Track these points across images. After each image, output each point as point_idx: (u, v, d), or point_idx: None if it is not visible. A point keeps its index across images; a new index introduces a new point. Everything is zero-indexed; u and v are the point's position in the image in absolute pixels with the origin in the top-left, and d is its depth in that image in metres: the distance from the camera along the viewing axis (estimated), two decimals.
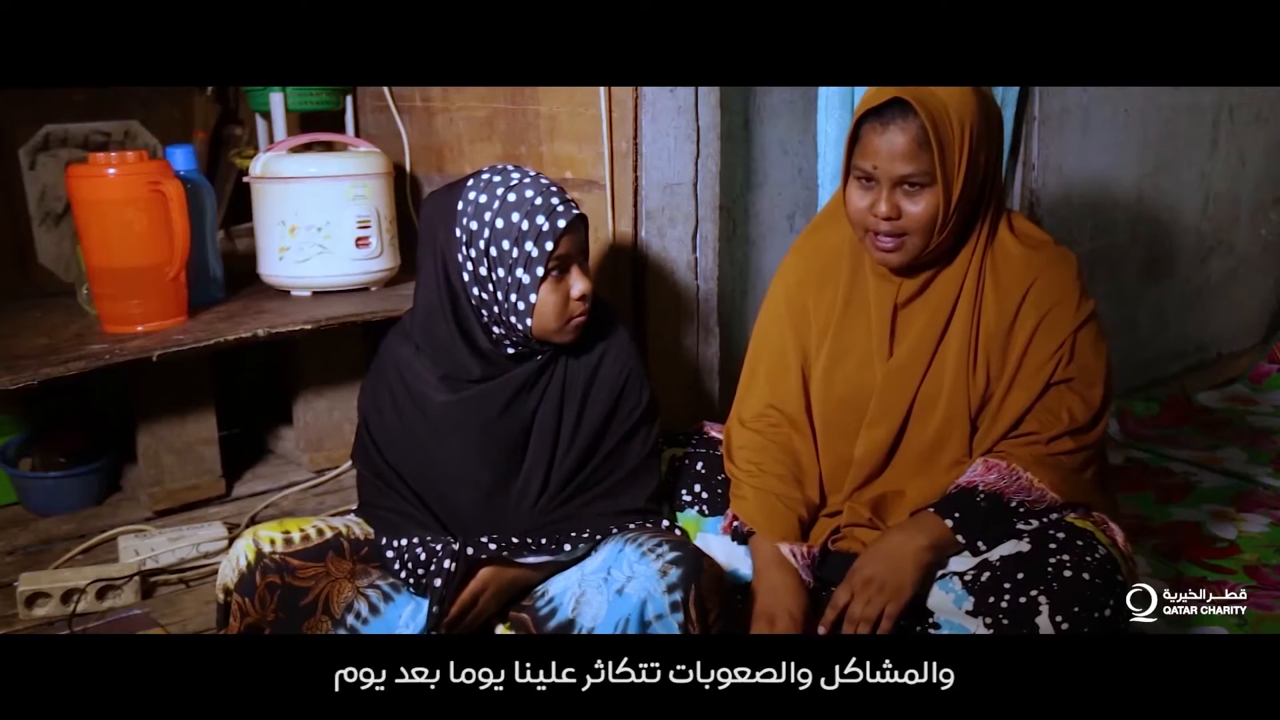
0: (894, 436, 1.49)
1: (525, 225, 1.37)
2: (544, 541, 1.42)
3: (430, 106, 2.21)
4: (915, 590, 1.36)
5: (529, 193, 1.38)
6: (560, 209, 1.39)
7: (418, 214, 2.28)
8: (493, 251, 1.38)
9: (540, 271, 1.37)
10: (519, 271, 1.38)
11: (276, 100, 2.13)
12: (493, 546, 1.38)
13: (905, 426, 1.49)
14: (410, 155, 2.28)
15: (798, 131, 2.14)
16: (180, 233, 1.76)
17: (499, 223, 1.38)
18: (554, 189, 1.41)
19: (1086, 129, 2.66)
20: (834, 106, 1.95)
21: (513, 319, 1.40)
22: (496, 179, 1.41)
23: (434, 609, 1.31)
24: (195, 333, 1.78)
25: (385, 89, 2.25)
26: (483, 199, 1.39)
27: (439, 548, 1.38)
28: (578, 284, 1.41)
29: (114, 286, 1.78)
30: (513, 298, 1.39)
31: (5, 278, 2.13)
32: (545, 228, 1.37)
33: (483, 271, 1.39)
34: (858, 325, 1.51)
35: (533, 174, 1.42)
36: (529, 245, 1.37)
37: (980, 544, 1.39)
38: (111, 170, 1.73)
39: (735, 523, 1.52)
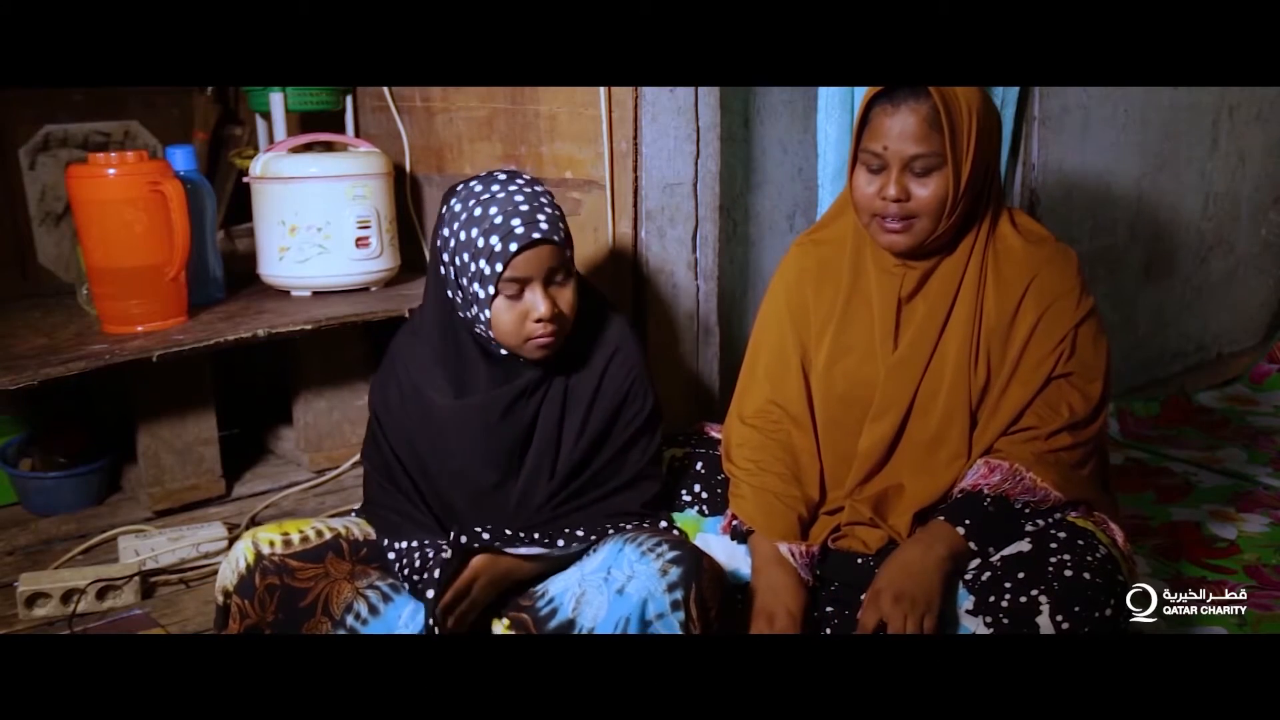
0: (896, 431, 1.49)
1: (480, 243, 1.36)
2: (538, 536, 1.42)
3: (430, 106, 2.21)
4: (942, 601, 1.35)
5: (494, 209, 1.37)
6: (519, 231, 1.35)
7: (418, 214, 2.29)
8: (458, 262, 1.39)
9: (491, 290, 1.37)
10: (475, 286, 1.38)
11: (276, 100, 2.13)
12: (486, 536, 1.39)
13: (906, 421, 1.49)
14: (410, 155, 2.28)
15: (798, 131, 2.14)
16: (180, 233, 1.76)
17: (462, 235, 1.38)
18: (523, 208, 1.37)
19: (1086, 129, 2.66)
20: (834, 106, 1.95)
21: (479, 328, 1.41)
22: (479, 188, 1.40)
23: (430, 598, 1.31)
24: (195, 333, 1.78)
25: (385, 89, 2.25)
26: (458, 208, 1.40)
27: (431, 555, 1.38)
28: (540, 305, 1.38)
29: (114, 286, 1.78)
30: (474, 309, 1.40)
31: (5, 278, 2.14)
32: (497, 248, 1.36)
33: (453, 277, 1.41)
34: (860, 321, 1.52)
35: (514, 187, 1.39)
36: (482, 263, 1.37)
37: (990, 549, 1.40)
38: (111, 170, 1.73)
39: (734, 522, 1.52)
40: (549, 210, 1.39)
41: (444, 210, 1.42)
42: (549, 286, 1.39)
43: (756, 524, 1.49)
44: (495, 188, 1.39)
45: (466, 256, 1.38)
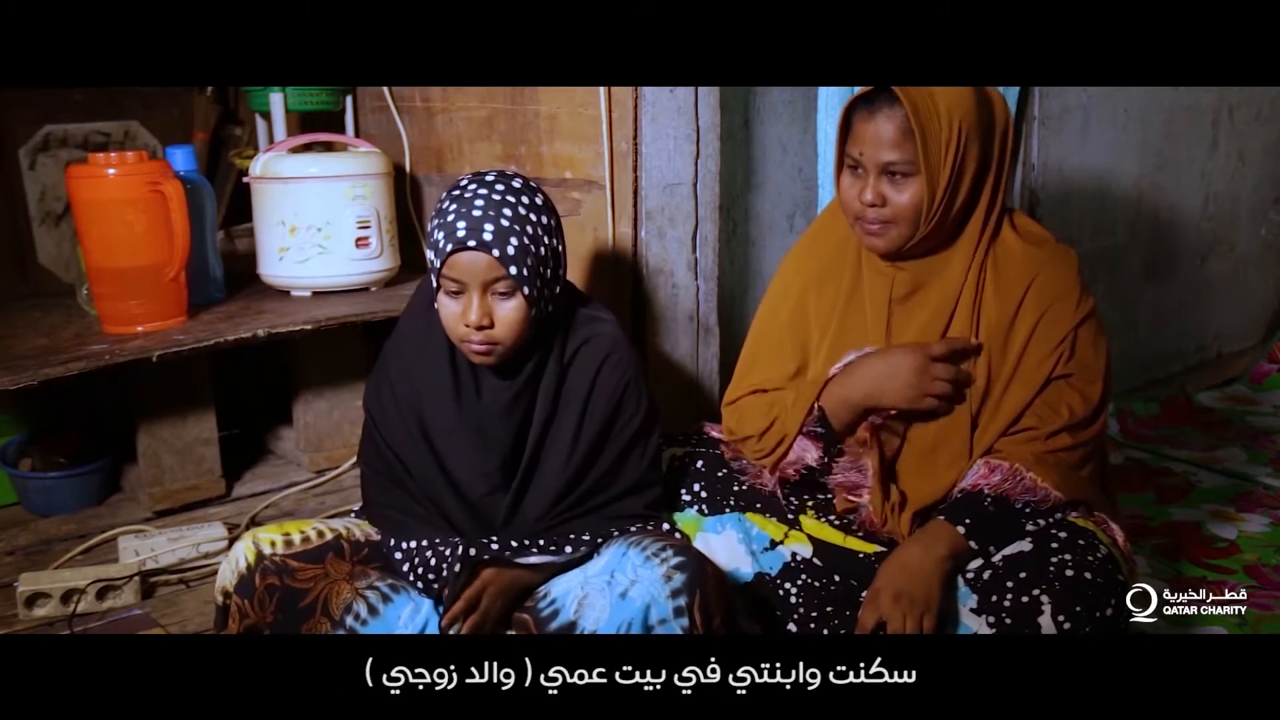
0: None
1: (433, 236, 1.39)
2: (542, 543, 1.42)
3: (430, 106, 2.21)
4: (942, 600, 1.35)
5: (455, 206, 1.37)
6: (458, 234, 1.35)
7: (418, 214, 2.29)
8: (429, 253, 1.41)
9: (434, 282, 1.40)
10: (432, 276, 1.41)
11: (276, 100, 2.13)
12: (494, 547, 1.39)
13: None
14: (410, 155, 2.28)
15: (798, 131, 2.14)
16: (180, 233, 1.76)
17: (430, 225, 1.41)
18: (475, 214, 1.35)
19: (1086, 129, 2.66)
20: (834, 106, 1.95)
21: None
22: (462, 184, 1.41)
23: (439, 611, 1.32)
24: (195, 333, 1.78)
25: (385, 89, 2.25)
26: (441, 203, 1.41)
27: (448, 551, 1.38)
28: (470, 312, 1.37)
29: (114, 286, 1.78)
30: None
31: (5, 278, 2.14)
32: (440, 244, 1.37)
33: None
34: (857, 320, 1.52)
35: (484, 190, 1.38)
36: (432, 255, 1.39)
37: (991, 548, 1.40)
38: (111, 170, 1.73)
39: (806, 430, 1.50)
40: (505, 223, 1.35)
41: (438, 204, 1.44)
42: (489, 296, 1.38)
43: (799, 414, 1.48)
44: (473, 187, 1.39)
45: (428, 245, 1.41)
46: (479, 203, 1.36)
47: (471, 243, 1.34)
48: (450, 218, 1.36)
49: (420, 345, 1.48)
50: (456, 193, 1.39)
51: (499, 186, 1.39)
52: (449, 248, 1.35)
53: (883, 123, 1.38)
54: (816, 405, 1.49)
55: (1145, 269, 2.97)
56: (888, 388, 1.44)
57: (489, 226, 1.35)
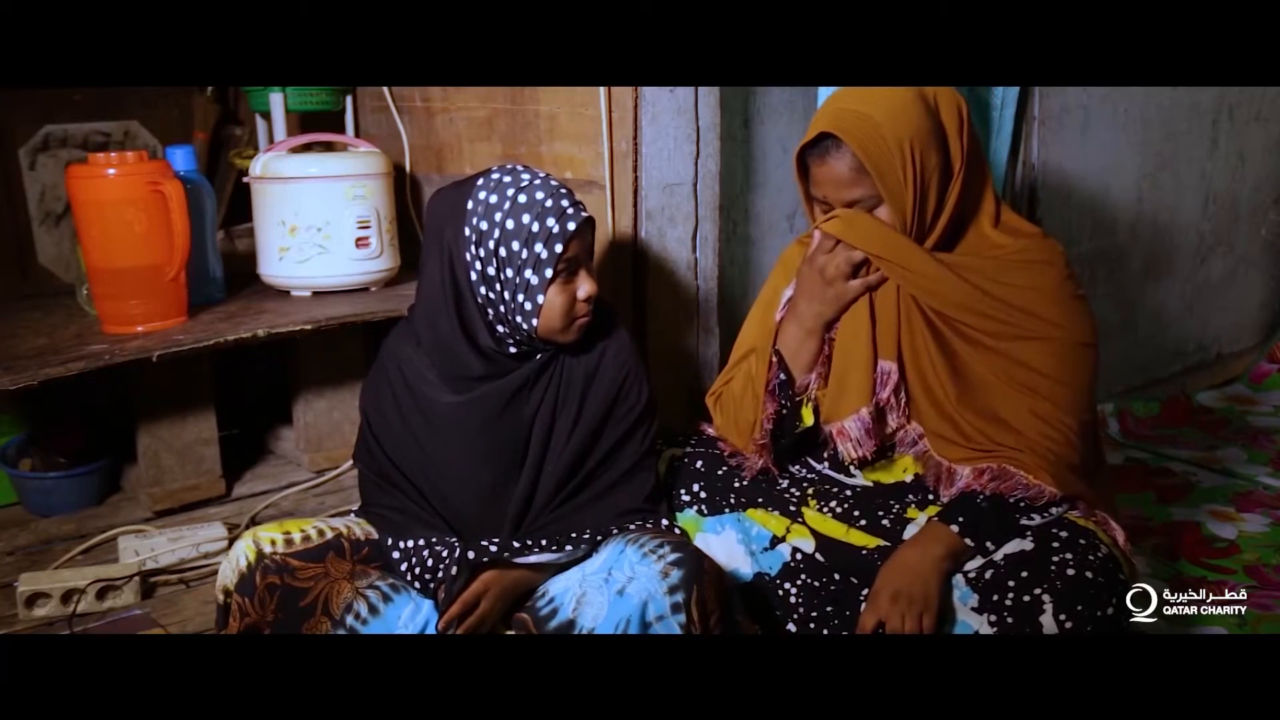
0: None
1: (535, 227, 1.37)
2: (545, 543, 1.42)
3: (430, 106, 2.21)
4: (940, 600, 1.36)
5: (539, 194, 1.38)
6: (570, 211, 1.39)
7: (418, 214, 2.29)
8: (502, 252, 1.39)
9: (549, 274, 1.38)
10: (528, 273, 1.38)
11: (276, 100, 2.13)
12: (494, 549, 1.39)
13: None
14: (410, 155, 2.28)
15: (798, 131, 2.14)
16: (180, 233, 1.76)
17: (509, 223, 1.38)
18: (563, 191, 1.41)
19: (1086, 129, 2.66)
20: None
21: (518, 319, 1.40)
22: (507, 179, 1.41)
23: (439, 618, 1.32)
24: (195, 333, 1.78)
25: (385, 89, 2.25)
26: (493, 199, 1.39)
27: (444, 552, 1.38)
28: (584, 286, 1.41)
29: (114, 286, 1.78)
30: (520, 298, 1.39)
31: (5, 278, 2.13)
32: (555, 230, 1.37)
33: (490, 271, 1.40)
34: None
35: (542, 175, 1.43)
36: (539, 247, 1.37)
37: (989, 544, 1.40)
38: (111, 170, 1.73)
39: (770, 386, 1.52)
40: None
41: (470, 203, 1.41)
42: (587, 268, 1.43)
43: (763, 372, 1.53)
44: (527, 176, 1.41)
45: (517, 244, 1.38)
46: (553, 183, 1.42)
47: (584, 213, 1.41)
48: (549, 203, 1.38)
49: (423, 347, 1.48)
50: (525, 184, 1.40)
51: (537, 170, 1.44)
52: (571, 226, 1.38)
53: (834, 164, 1.41)
54: (773, 351, 1.51)
55: (1145, 269, 2.97)
56: (807, 291, 1.48)
57: (577, 200, 1.42)
